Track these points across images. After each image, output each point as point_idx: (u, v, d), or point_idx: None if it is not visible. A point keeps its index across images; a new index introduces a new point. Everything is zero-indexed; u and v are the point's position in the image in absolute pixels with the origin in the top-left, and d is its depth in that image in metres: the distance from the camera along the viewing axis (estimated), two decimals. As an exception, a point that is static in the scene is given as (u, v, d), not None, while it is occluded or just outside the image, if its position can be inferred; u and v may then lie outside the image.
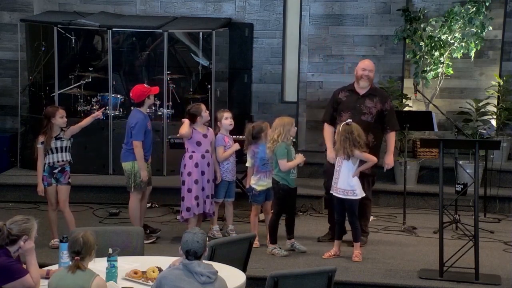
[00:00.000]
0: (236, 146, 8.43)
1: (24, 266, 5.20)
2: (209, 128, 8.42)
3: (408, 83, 11.23)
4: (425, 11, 11.16)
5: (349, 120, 7.72)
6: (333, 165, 7.84)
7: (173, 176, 9.98)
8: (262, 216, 8.43)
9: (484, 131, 10.01)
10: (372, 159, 7.79)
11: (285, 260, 7.75)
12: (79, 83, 10.89)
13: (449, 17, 10.75)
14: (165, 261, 5.57)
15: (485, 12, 10.68)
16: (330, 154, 8.08)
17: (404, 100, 10.88)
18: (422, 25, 10.94)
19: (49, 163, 7.96)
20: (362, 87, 8.23)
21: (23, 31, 11.39)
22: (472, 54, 10.82)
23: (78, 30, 11.08)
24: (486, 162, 9.74)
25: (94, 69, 11.11)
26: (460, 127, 9.62)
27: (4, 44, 11.92)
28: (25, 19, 11.37)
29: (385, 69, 11.40)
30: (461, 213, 8.96)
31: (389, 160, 8.24)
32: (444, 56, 10.82)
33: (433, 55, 10.79)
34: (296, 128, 8.00)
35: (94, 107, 10.86)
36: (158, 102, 10.67)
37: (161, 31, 10.81)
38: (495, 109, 10.92)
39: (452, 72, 10.94)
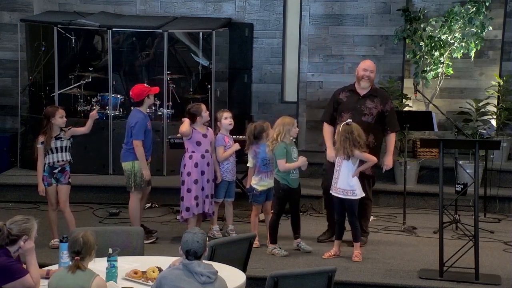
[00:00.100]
0: (236, 146, 8.43)
1: (24, 266, 5.20)
2: (209, 128, 8.42)
3: (408, 83, 11.23)
4: (425, 11, 11.16)
5: (349, 120, 7.72)
6: (333, 165, 7.84)
7: (173, 176, 9.98)
8: (262, 216, 8.43)
9: (484, 131, 10.01)
10: (372, 159, 7.79)
11: (285, 260, 7.75)
12: (79, 83, 10.89)
13: (449, 17, 10.75)
14: (165, 261, 5.57)
15: (485, 12, 10.68)
16: (330, 153, 8.08)
17: (404, 100, 10.88)
18: (422, 25, 10.94)
19: (49, 163, 7.96)
20: (363, 88, 8.23)
21: (23, 31, 11.39)
22: (472, 54, 10.82)
23: (78, 30, 11.08)
24: (486, 162, 9.74)
25: (94, 69, 11.11)
26: (460, 127, 9.62)
27: (4, 44, 11.92)
28: (25, 19, 11.37)
29: (385, 69, 11.40)
30: (461, 213, 8.96)
31: (388, 161, 8.24)
32: (444, 56, 10.82)
33: (433, 55, 10.79)
34: (297, 129, 7.98)
35: (94, 107, 10.86)
36: (158, 102, 10.67)
37: (161, 31, 10.81)
38: (495, 109, 10.92)
39: (452, 72, 10.94)
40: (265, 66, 11.94)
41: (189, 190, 8.12)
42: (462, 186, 8.29)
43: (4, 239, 5.13)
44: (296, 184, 7.94)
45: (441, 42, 10.75)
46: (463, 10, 10.69)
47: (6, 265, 5.08)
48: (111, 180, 10.36)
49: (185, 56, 11.59)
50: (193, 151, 8.15)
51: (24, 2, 11.88)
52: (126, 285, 5.27)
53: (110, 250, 5.33)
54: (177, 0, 11.98)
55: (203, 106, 8.26)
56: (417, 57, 10.91)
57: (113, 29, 10.90)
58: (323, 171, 8.50)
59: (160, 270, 5.36)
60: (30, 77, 11.38)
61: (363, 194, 7.80)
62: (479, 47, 10.81)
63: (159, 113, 10.78)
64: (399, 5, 11.28)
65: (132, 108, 8.69)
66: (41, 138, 7.94)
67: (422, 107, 10.90)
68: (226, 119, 8.38)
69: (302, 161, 7.85)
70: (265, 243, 8.06)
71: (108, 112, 10.74)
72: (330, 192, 7.82)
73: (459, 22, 10.69)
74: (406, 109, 10.50)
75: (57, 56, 10.86)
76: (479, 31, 10.64)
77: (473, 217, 7.19)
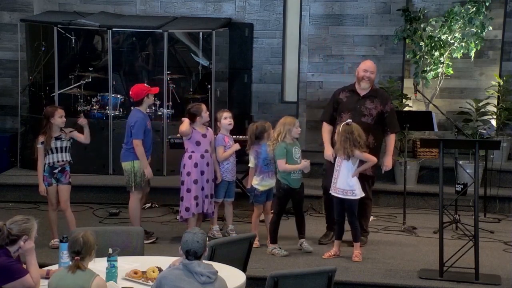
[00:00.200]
0: (236, 146, 8.43)
1: (24, 266, 5.20)
2: (209, 128, 8.41)
3: (408, 83, 11.23)
4: (425, 11, 11.16)
5: (349, 120, 7.71)
6: (333, 165, 7.83)
7: (173, 176, 9.98)
8: (262, 216, 8.42)
9: (484, 131, 10.01)
10: (372, 159, 7.79)
11: (285, 260, 7.75)
12: (79, 83, 10.89)
13: (449, 17, 10.75)
14: (165, 261, 5.57)
15: (485, 12, 10.68)
16: (327, 152, 8.08)
17: (404, 100, 10.88)
18: (422, 25, 10.95)
19: (49, 163, 7.96)
20: (363, 88, 8.22)
21: (23, 31, 11.39)
22: (472, 54, 10.82)
23: (78, 30, 11.08)
24: (486, 162, 9.74)
25: (94, 69, 11.11)
26: (460, 127, 9.62)
27: (4, 44, 11.92)
28: (25, 19, 11.37)
29: (385, 69, 11.40)
30: (461, 213, 8.96)
31: (387, 162, 8.24)
32: (444, 56, 10.82)
33: (433, 55, 10.79)
34: (299, 129, 7.94)
35: (94, 107, 10.87)
36: (158, 102, 10.67)
37: (161, 31, 10.81)
38: (495, 109, 10.92)
39: (452, 72, 10.94)
40: (265, 66, 11.93)
41: (188, 190, 8.12)
42: (462, 186, 8.28)
43: (4, 239, 5.13)
44: (298, 185, 7.93)
45: (441, 42, 10.76)
46: (463, 10, 10.69)
47: (6, 265, 5.08)
48: (111, 180, 10.36)
49: (185, 56, 11.59)
50: (192, 151, 8.15)
51: (24, 2, 11.88)
52: (126, 285, 5.27)
53: (110, 250, 5.33)
54: (177, 0, 11.98)
55: (204, 107, 8.25)
56: (417, 57, 10.91)
57: (113, 29, 10.89)
58: (323, 171, 8.50)
59: (160, 270, 5.36)
60: (30, 77, 11.38)
61: (363, 194, 7.80)
62: (479, 47, 10.82)
63: (159, 113, 10.78)
64: (399, 5, 11.28)
65: (132, 108, 8.69)
66: (41, 138, 7.94)
67: (422, 107, 10.90)
68: (226, 119, 8.38)
69: (303, 165, 7.84)
70: (265, 243, 8.06)
71: (108, 112, 10.75)
72: (330, 192, 7.82)
73: (459, 22, 10.69)
74: (406, 109, 10.50)
75: (57, 56, 10.86)
76: (479, 31, 10.64)
77: (473, 217, 7.19)
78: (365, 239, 8.35)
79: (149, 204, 9.82)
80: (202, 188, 8.14)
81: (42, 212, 8.98)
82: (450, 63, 10.90)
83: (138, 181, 8.19)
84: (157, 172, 10.12)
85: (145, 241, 6.85)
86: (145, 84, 8.67)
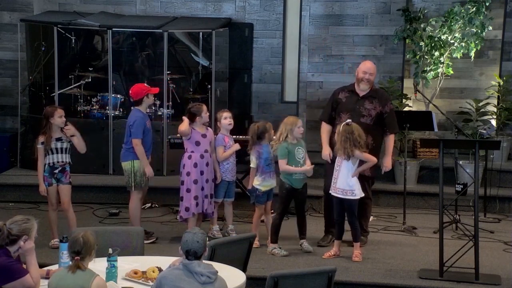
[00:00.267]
0: (236, 147, 8.42)
1: (24, 266, 5.20)
2: (209, 128, 8.41)
3: (408, 83, 11.23)
4: (425, 11, 11.16)
5: (348, 120, 7.71)
6: (332, 166, 7.83)
7: (173, 176, 9.98)
8: (262, 217, 8.42)
9: (484, 131, 10.01)
10: (372, 159, 7.79)
11: (285, 260, 7.75)
12: (79, 83, 10.89)
13: (449, 17, 10.75)
14: (165, 261, 5.57)
15: (485, 12, 10.68)
16: (325, 152, 8.08)
17: (404, 100, 10.88)
18: (422, 25, 10.94)
19: (49, 163, 7.96)
20: (362, 89, 8.22)
21: (23, 31, 11.39)
22: (472, 54, 10.82)
23: (78, 30, 11.08)
24: (486, 162, 9.74)
25: (94, 69, 11.11)
26: (460, 127, 9.62)
27: (4, 44, 11.92)
28: (25, 19, 11.37)
29: (385, 69, 11.40)
30: (461, 213, 8.96)
31: (387, 163, 8.23)
32: (444, 56, 10.82)
33: (433, 55, 10.79)
34: (301, 129, 7.91)
35: (94, 107, 10.87)
36: (158, 102, 10.67)
37: (161, 31, 10.81)
38: (495, 109, 10.92)
39: (452, 72, 10.94)
40: (265, 66, 11.93)
41: (188, 190, 8.12)
42: (462, 186, 8.28)
43: (4, 239, 5.13)
44: (300, 185, 7.93)
45: (441, 42, 10.75)
46: (463, 10, 10.69)
47: (6, 265, 5.08)
48: (111, 180, 10.36)
49: (185, 56, 11.59)
50: (192, 151, 8.15)
51: (24, 2, 11.88)
52: (126, 285, 5.27)
53: (110, 250, 5.33)
54: (177, 0, 11.98)
55: (205, 107, 8.23)
56: (417, 57, 10.91)
57: (113, 29, 10.89)
58: (324, 171, 8.49)
59: (160, 270, 5.36)
60: (30, 77, 11.38)
61: (363, 194, 7.80)
62: (479, 47, 10.81)
63: (159, 113, 10.78)
64: (399, 5, 11.28)
65: (132, 108, 8.69)
66: (41, 138, 7.94)
67: (422, 107, 10.90)
68: (226, 119, 8.38)
69: (304, 169, 7.84)
70: (265, 243, 8.06)
71: (108, 112, 10.74)
72: (330, 192, 7.82)
73: (459, 22, 10.69)
74: (406, 109, 10.49)
75: (57, 56, 10.86)
76: (479, 31, 10.64)
77: (473, 217, 7.19)
78: (365, 239, 8.35)
79: (149, 204, 9.82)
80: (202, 188, 8.14)
81: (42, 212, 8.98)
82: (450, 63, 10.90)
83: (138, 181, 8.19)
84: (157, 172, 10.10)
85: (145, 241, 6.85)
86: (145, 84, 8.67)
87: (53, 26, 10.87)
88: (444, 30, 10.76)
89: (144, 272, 5.41)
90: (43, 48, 11.16)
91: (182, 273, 4.75)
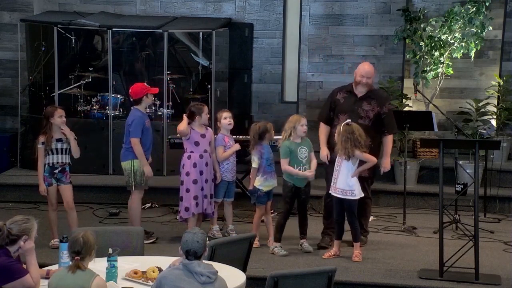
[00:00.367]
0: (237, 147, 8.42)
1: (24, 266, 5.20)
2: (208, 128, 8.40)
3: (408, 83, 11.23)
4: (425, 11, 11.16)
5: (348, 120, 7.70)
6: (333, 166, 7.83)
7: (173, 176, 9.98)
8: (262, 216, 8.42)
9: (484, 131, 10.01)
10: (372, 159, 7.78)
11: (285, 260, 7.75)
12: (79, 83, 10.89)
13: (449, 17, 10.75)
14: (165, 261, 5.57)
15: (485, 12, 10.68)
16: (323, 153, 8.08)
17: (404, 100, 10.88)
18: (422, 25, 10.95)
19: (49, 163, 7.96)
20: (360, 91, 8.21)
21: (23, 31, 11.39)
22: (472, 54, 10.82)
23: (78, 30, 11.08)
24: (486, 162, 9.74)
25: (94, 69, 11.11)
26: (460, 127, 9.61)
27: (4, 44, 11.92)
28: (25, 19, 11.37)
29: (385, 69, 11.41)
30: (461, 213, 8.96)
31: (386, 163, 8.22)
32: (444, 56, 10.83)
33: (433, 55, 10.79)
34: (304, 127, 7.87)
35: (94, 107, 10.87)
36: (158, 102, 10.68)
37: (161, 31, 10.81)
38: (495, 109, 10.92)
39: (452, 72, 10.94)
40: (265, 66, 11.94)
41: (188, 190, 8.11)
42: (462, 186, 8.29)
43: (4, 239, 5.13)
44: (303, 184, 7.93)
45: (441, 42, 10.76)
46: (463, 10, 10.70)
47: (6, 265, 5.08)
48: (111, 180, 10.36)
49: (185, 56, 11.59)
50: (191, 151, 8.14)
51: (24, 2, 11.88)
52: (126, 285, 5.27)
53: (110, 250, 5.33)
54: (177, 0, 11.98)
55: (206, 109, 8.20)
56: (417, 57, 10.91)
57: (113, 29, 10.89)
58: (326, 174, 8.48)
59: (160, 270, 5.36)
60: (30, 77, 11.38)
61: (362, 195, 7.79)
62: (479, 47, 10.82)
63: (159, 113, 10.78)
64: (399, 5, 11.28)
65: (132, 107, 8.69)
66: (41, 139, 7.94)
67: (422, 107, 10.90)
68: (226, 119, 8.37)
69: (305, 174, 7.84)
70: (265, 243, 8.06)
71: (108, 112, 10.75)
72: (329, 192, 7.82)
73: (459, 22, 10.70)
74: (406, 109, 10.49)
75: (57, 56, 10.86)
76: (479, 31, 10.65)
77: (473, 217, 7.19)
78: (365, 239, 8.34)
79: (149, 204, 9.82)
80: (202, 188, 8.14)
81: (42, 212, 8.98)
82: (450, 63, 10.90)
83: (138, 180, 8.19)
84: (157, 172, 10.12)
85: (145, 241, 6.85)
86: (145, 84, 8.67)
87: (53, 26, 10.87)
88: (444, 30, 10.76)
89: (144, 272, 5.41)
90: (43, 48, 11.16)
91: (182, 273, 4.75)
